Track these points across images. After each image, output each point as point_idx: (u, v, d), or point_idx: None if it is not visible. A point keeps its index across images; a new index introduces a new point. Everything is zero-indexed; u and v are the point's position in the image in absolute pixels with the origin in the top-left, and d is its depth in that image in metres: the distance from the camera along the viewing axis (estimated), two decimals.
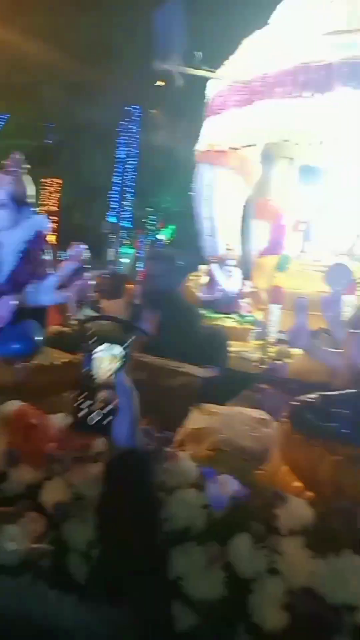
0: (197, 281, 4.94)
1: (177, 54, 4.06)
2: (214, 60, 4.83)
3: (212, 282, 4.82)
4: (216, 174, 5.14)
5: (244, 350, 4.52)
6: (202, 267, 4.99)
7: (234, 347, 4.11)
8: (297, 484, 1.55)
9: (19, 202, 1.84)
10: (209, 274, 4.87)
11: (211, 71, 4.60)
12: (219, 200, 5.19)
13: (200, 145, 4.93)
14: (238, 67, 4.59)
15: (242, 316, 4.78)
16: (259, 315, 5.18)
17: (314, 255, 5.33)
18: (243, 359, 4.20)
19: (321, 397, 1.58)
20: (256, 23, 4.98)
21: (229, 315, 4.74)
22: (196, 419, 1.89)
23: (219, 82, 4.67)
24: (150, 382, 2.18)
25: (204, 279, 4.91)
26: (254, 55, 4.51)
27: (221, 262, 4.91)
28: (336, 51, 3.95)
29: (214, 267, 4.84)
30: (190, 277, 5.06)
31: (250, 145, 4.79)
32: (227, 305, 4.78)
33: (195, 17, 4.43)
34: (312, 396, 1.60)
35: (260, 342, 4.89)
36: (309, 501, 1.33)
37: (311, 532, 1.20)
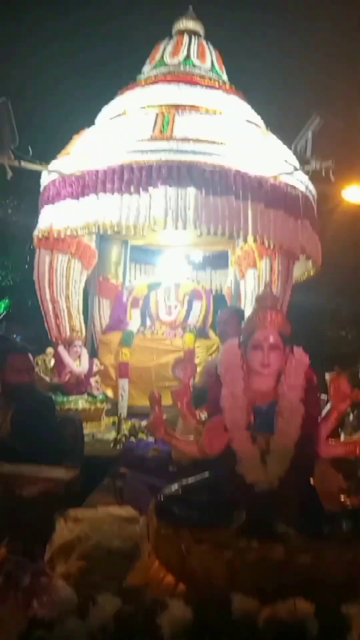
0: (44, 365, 4.82)
1: (7, 149, 4.16)
2: (47, 154, 5.07)
3: (60, 365, 4.76)
4: (56, 259, 5.24)
5: (98, 431, 4.54)
6: (49, 350, 4.91)
7: (89, 428, 4.12)
8: (170, 578, 1.61)
9: None
10: (56, 356, 4.81)
11: (42, 165, 4.79)
12: (60, 283, 5.26)
13: (39, 232, 5.00)
14: (70, 162, 4.87)
15: (93, 396, 4.80)
16: (109, 392, 5.28)
17: (155, 329, 5.74)
18: (98, 440, 4.19)
19: (181, 487, 1.71)
20: (85, 122, 5.46)
21: (81, 397, 4.70)
22: (63, 531, 1.84)
23: (52, 174, 4.88)
24: (7, 495, 2.06)
25: (51, 362, 4.83)
26: (85, 152, 4.86)
27: (68, 343, 4.92)
28: (153, 155, 4.54)
29: (61, 349, 4.82)
30: (38, 361, 4.94)
31: (86, 234, 5.02)
32: (77, 386, 4.75)
33: (25, 113, 4.60)
34: (173, 488, 1.72)
35: (113, 419, 4.96)
36: (184, 596, 1.40)
37: (190, 630, 1.25)
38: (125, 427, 4.36)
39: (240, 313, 3.64)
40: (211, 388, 1.79)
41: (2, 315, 19.67)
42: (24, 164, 4.31)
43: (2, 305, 19.27)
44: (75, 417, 3.48)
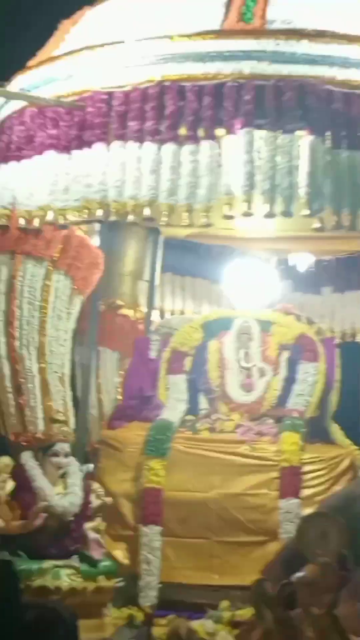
0: None
1: None
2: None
3: (25, 493, 4.96)
4: (22, 269, 5.57)
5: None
6: (3, 461, 5.13)
7: (82, 634, 4.20)
8: None
9: None
10: (18, 474, 5.01)
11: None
12: (28, 321, 5.56)
13: None
14: (56, 76, 5.23)
15: (90, 563, 5.01)
16: (118, 553, 5.62)
17: (217, 420, 5.93)
18: None
19: None
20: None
21: (66, 562, 4.89)
22: None
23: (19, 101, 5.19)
24: None
25: (7, 486, 5.02)
26: (85, 58, 5.18)
27: (42, 447, 5.14)
28: (226, 64, 4.81)
29: (29, 461, 5.05)
30: None
31: (84, 222, 5.31)
32: (58, 539, 4.92)
33: None
34: None
35: (129, 610, 5.13)
36: None
37: None
38: (158, 635, 4.53)
39: None
40: None
41: None
42: None
43: None
44: (63, 612, 3.55)
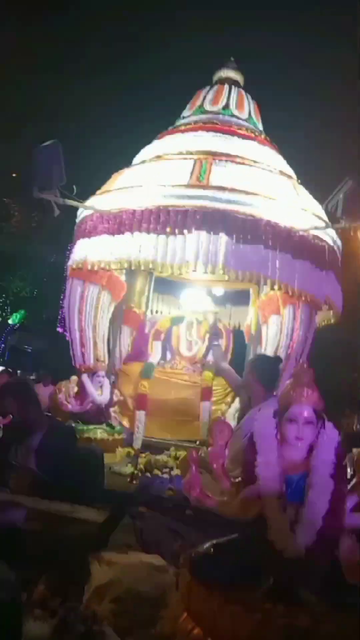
0: (67, 391, 5.00)
1: (55, 187, 4.44)
2: (88, 190, 5.36)
3: (83, 393, 4.94)
4: (88, 289, 5.47)
5: (114, 462, 4.67)
6: (73, 378, 5.09)
7: (105, 460, 4.23)
8: (198, 631, 1.75)
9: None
10: (80, 384, 4.99)
11: (83, 202, 5.05)
12: (89, 313, 5.47)
13: (73, 263, 5.25)
14: (109, 200, 5.15)
15: (112, 427, 4.96)
16: (125, 422, 5.42)
17: (175, 363, 5.90)
18: (115, 474, 4.33)
19: (213, 546, 1.86)
20: (125, 162, 5.77)
21: (100, 426, 4.85)
22: (97, 573, 1.99)
23: (89, 210, 5.15)
24: (46, 533, 2.22)
25: (74, 389, 5.00)
26: (123, 191, 5.13)
27: (92, 372, 5.10)
28: (189, 200, 4.77)
29: (85, 378, 5.00)
30: (61, 387, 5.12)
31: (118, 268, 5.25)
32: (97, 416, 4.91)
33: (71, 152, 4.90)
34: (206, 546, 1.87)
35: (128, 449, 5.10)
36: None
37: None
38: (141, 462, 4.50)
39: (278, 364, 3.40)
40: (246, 453, 1.95)
41: (17, 326, 20.07)
42: (68, 201, 4.57)
43: (18, 317, 19.68)
44: (97, 451, 3.61)
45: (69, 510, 2.38)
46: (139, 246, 4.78)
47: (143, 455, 4.78)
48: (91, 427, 4.81)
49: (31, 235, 17.23)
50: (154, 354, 5.93)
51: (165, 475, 4.20)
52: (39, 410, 3.08)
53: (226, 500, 1.92)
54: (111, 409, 5.12)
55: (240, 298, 6.94)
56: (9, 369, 9.91)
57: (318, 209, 5.15)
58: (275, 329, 5.33)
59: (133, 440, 5.24)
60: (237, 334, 6.79)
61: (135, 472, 4.21)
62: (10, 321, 19.02)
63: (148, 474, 4.22)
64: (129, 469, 4.40)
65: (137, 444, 5.20)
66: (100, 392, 5.02)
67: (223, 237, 4.70)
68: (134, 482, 4.08)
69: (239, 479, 1.97)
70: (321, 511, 1.76)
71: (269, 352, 5.30)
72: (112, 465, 4.51)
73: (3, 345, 19.66)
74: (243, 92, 6.27)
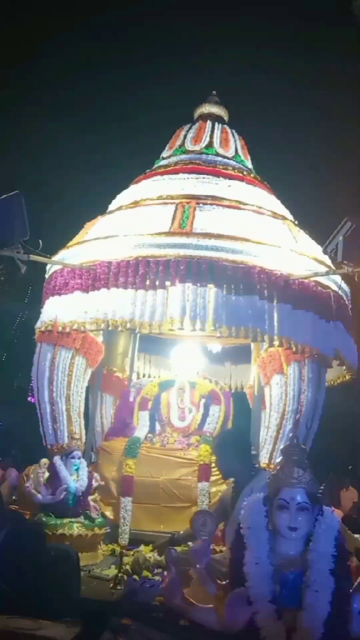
0: (35, 478, 4.96)
1: (17, 242, 4.65)
2: (58, 242, 5.58)
3: (55, 479, 4.88)
4: (59, 355, 5.54)
5: (95, 564, 4.57)
6: (43, 461, 5.06)
7: (84, 560, 4.17)
8: None
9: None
10: (52, 468, 4.94)
11: (50, 257, 5.25)
12: (61, 382, 5.51)
13: (42, 324, 5.36)
14: (81, 252, 5.34)
15: (91, 519, 4.87)
16: (108, 512, 5.33)
17: (165, 436, 5.88)
18: (95, 577, 4.24)
19: None
20: (99, 211, 6.05)
21: (76, 520, 4.77)
22: None
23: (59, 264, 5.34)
24: None
25: (45, 475, 4.95)
26: (97, 242, 5.34)
27: (65, 453, 5.06)
28: (171, 249, 4.97)
29: (57, 461, 4.96)
30: (29, 472, 5.08)
31: (94, 330, 5.36)
32: (73, 507, 4.83)
33: (38, 202, 5.16)
34: None
35: (113, 546, 4.99)
36: None
37: None
38: (127, 561, 4.41)
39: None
40: (233, 549, 1.97)
41: None
42: (32, 257, 4.76)
43: None
44: (70, 551, 3.56)
45: (31, 626, 2.33)
46: (116, 304, 4.93)
47: (130, 553, 4.69)
48: (65, 520, 4.69)
49: None
50: (141, 426, 5.91)
51: (157, 578, 4.09)
52: (1, 505, 3.08)
53: (212, 607, 1.92)
54: (90, 497, 5.01)
55: (240, 355, 7.04)
56: None
57: (318, 252, 5.36)
58: (279, 391, 5.38)
59: (118, 535, 5.13)
60: (239, 398, 6.82)
61: (120, 574, 4.11)
62: None
63: (135, 577, 4.10)
64: (111, 571, 4.31)
65: (123, 540, 5.08)
66: (75, 477, 4.94)
67: (212, 289, 4.87)
68: (118, 587, 3.98)
69: (226, 581, 1.98)
70: (322, 616, 1.77)
71: (274, 417, 5.34)
72: (91, 568, 4.45)
73: None
74: (228, 128, 6.70)
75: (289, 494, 1.90)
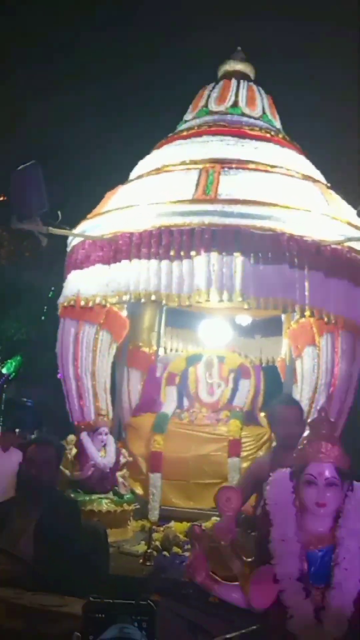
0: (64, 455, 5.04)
1: (35, 215, 4.64)
2: (79, 214, 5.56)
3: (82, 455, 4.97)
4: (83, 330, 5.58)
5: (125, 540, 4.66)
6: (70, 437, 5.14)
7: (113, 536, 4.25)
8: None
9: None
10: (79, 445, 5.03)
11: (67, 229, 5.23)
12: (86, 358, 5.56)
13: (64, 300, 5.39)
14: (102, 223, 5.31)
15: (120, 495, 4.95)
16: (137, 488, 5.42)
17: (194, 412, 5.91)
18: (125, 554, 4.32)
19: (240, 636, 1.86)
20: (119, 179, 5.98)
21: (105, 496, 4.86)
22: None
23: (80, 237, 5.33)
24: (28, 632, 2.24)
25: (72, 451, 5.04)
26: (118, 212, 5.29)
27: (92, 429, 5.14)
28: (195, 217, 4.89)
29: (85, 437, 5.04)
30: None
31: (117, 303, 5.37)
32: (101, 482, 4.93)
33: (54, 174, 5.14)
34: (230, 636, 1.87)
35: (142, 522, 5.08)
36: None
37: None
38: (157, 537, 4.49)
39: (299, 410, 3.47)
40: (259, 526, 1.95)
41: (12, 376, 20.39)
42: (52, 230, 4.75)
43: (13, 364, 20.02)
44: (99, 528, 3.61)
45: (57, 603, 2.39)
46: (139, 276, 4.90)
47: (160, 529, 4.75)
48: (94, 496, 4.79)
49: (24, 266, 17.68)
50: (168, 402, 5.96)
51: (187, 554, 4.15)
52: (39, 481, 3.09)
53: (237, 585, 1.92)
54: (118, 474, 5.09)
55: (271, 327, 7.00)
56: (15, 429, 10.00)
57: (352, 216, 5.20)
58: (311, 364, 5.32)
59: (148, 511, 5.22)
60: (270, 371, 6.78)
61: (149, 550, 4.19)
62: (4, 370, 19.34)
63: (165, 553, 4.19)
64: (141, 547, 4.40)
65: (153, 516, 5.17)
66: (103, 453, 5.02)
67: (238, 258, 4.78)
68: (148, 563, 4.07)
69: (252, 558, 1.97)
70: (352, 594, 1.75)
71: (306, 391, 5.29)
72: (121, 544, 4.54)
73: None
74: (254, 86, 6.49)
75: (316, 469, 1.87)
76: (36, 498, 3.05)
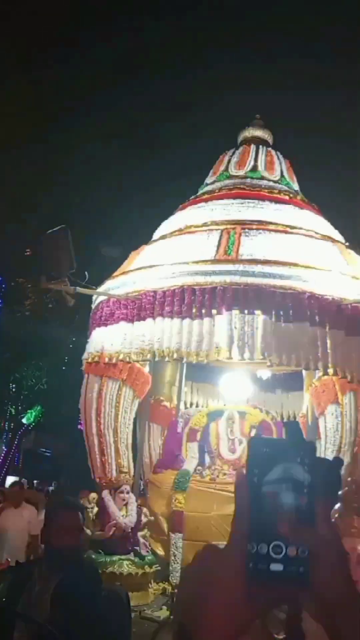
0: (86, 514, 4.96)
1: (64, 275, 4.77)
2: (104, 273, 5.68)
3: (104, 514, 4.87)
4: (106, 386, 5.59)
5: (146, 605, 4.49)
6: (92, 495, 5.06)
7: (134, 600, 4.10)
8: None
9: None
10: (101, 503, 4.95)
11: (93, 288, 5.34)
12: (109, 414, 5.53)
13: (88, 356, 5.43)
14: (126, 282, 5.42)
15: (141, 557, 4.82)
16: (158, 549, 5.27)
17: (215, 469, 5.79)
18: (146, 619, 4.17)
19: None
20: (144, 240, 6.14)
21: (126, 557, 4.74)
22: None
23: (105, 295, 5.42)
24: None
25: (94, 510, 4.96)
26: (142, 271, 5.40)
27: (114, 487, 5.06)
28: (217, 277, 4.96)
29: (106, 496, 4.96)
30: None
31: (140, 360, 5.39)
32: (122, 542, 4.80)
33: (80, 237, 5.30)
34: None
35: (164, 584, 4.91)
36: None
37: None
38: None
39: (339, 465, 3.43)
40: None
41: (31, 425, 20.29)
42: (79, 290, 4.86)
43: (33, 414, 19.99)
44: (121, 593, 3.49)
45: None
46: (162, 333, 4.96)
47: None
48: (115, 558, 4.68)
49: (47, 318, 17.95)
50: (190, 458, 5.88)
51: None
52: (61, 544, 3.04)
53: None
54: (139, 534, 4.98)
55: (292, 382, 6.91)
56: (23, 480, 9.91)
57: None
58: (334, 422, 5.22)
59: (169, 573, 5.09)
60: (292, 423, 6.65)
61: (172, 617, 4.02)
62: (24, 420, 19.31)
63: None
64: (163, 612, 4.24)
65: (175, 578, 5.02)
66: (125, 512, 4.93)
67: (260, 316, 4.82)
68: None
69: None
70: None
71: (330, 450, 5.16)
72: (142, 608, 4.40)
73: (15, 448, 19.78)
74: (272, 151, 6.70)
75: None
76: (60, 562, 2.99)
